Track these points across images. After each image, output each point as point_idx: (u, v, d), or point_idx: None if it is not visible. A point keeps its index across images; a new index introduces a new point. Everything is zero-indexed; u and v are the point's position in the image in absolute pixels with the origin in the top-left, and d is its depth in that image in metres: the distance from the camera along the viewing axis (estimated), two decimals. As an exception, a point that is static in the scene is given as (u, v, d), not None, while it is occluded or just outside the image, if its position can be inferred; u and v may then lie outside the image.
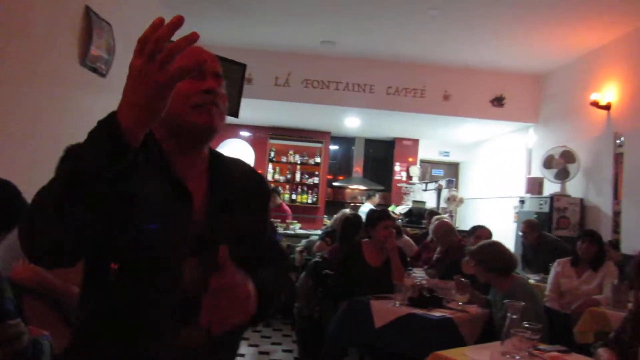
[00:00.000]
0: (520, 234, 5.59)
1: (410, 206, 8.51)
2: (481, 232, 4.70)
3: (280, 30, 6.35)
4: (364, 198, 9.34)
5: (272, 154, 9.68)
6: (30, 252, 0.92)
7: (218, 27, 6.30)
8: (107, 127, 0.86)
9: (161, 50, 0.82)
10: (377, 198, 9.19)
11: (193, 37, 0.84)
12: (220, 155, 1.23)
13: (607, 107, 5.74)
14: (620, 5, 4.93)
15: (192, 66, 0.86)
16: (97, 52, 3.74)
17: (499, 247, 3.19)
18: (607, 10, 5.07)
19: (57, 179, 0.89)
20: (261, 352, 4.66)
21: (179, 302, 1.05)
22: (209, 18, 6.00)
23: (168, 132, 1.09)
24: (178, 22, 0.82)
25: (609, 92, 5.76)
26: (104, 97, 4.06)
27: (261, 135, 9.58)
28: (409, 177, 9.93)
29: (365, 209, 7.87)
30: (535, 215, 6.32)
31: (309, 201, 9.54)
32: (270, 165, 9.64)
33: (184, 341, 1.06)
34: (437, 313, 2.92)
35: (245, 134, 9.57)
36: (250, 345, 4.83)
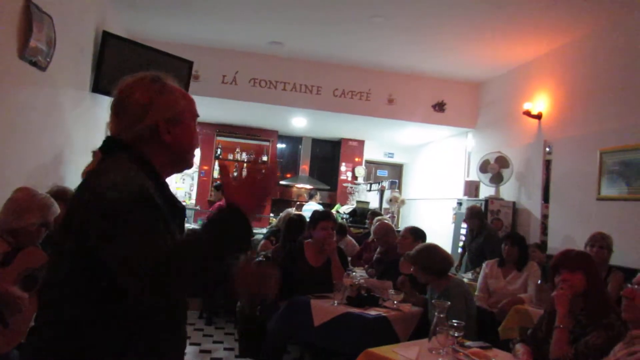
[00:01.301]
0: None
1: (354, 206, 8.69)
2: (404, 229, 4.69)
3: (228, 29, 6.34)
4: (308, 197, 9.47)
5: (219, 151, 9.62)
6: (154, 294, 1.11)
7: (166, 22, 6.21)
8: (244, 219, 1.18)
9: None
10: (318, 196, 9.33)
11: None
12: None
13: (538, 117, 6.11)
14: (551, 22, 5.26)
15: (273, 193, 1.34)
16: (37, 45, 3.63)
17: (435, 250, 3.34)
18: (539, 26, 5.40)
19: (208, 252, 1.13)
20: (202, 351, 4.67)
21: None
22: (157, 13, 5.91)
23: (170, 160, 1.38)
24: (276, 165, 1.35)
25: (540, 103, 6.13)
26: (43, 92, 3.95)
27: (208, 132, 9.50)
28: (355, 177, 10.14)
29: (309, 207, 7.99)
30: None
31: (255, 199, 9.54)
32: (217, 162, 9.58)
33: None
34: (372, 312, 3.06)
35: (191, 130, 9.44)
36: (192, 344, 4.82)
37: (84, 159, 5.00)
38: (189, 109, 1.39)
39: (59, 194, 3.08)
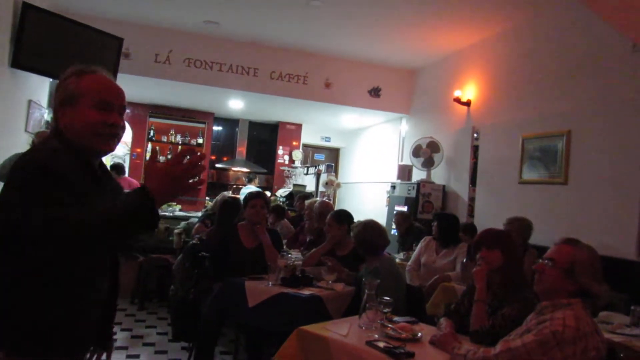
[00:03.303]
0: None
1: (291, 189, 8.73)
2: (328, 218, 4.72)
3: (162, 5, 6.11)
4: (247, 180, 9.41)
5: (152, 132, 9.33)
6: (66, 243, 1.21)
7: (93, -4, 5.92)
8: (149, 201, 1.20)
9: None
10: (257, 180, 9.30)
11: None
12: None
13: (468, 104, 6.37)
14: (481, 13, 5.47)
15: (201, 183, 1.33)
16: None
17: (372, 226, 3.42)
18: (470, 16, 5.60)
19: (106, 223, 1.19)
20: (134, 336, 4.57)
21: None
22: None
23: (75, 146, 1.37)
24: (201, 158, 1.27)
25: (469, 90, 6.39)
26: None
27: (140, 113, 9.17)
28: (292, 161, 10.17)
29: (246, 190, 7.95)
30: (399, 201, 6.86)
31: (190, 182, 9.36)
32: (150, 145, 9.30)
33: None
34: (306, 291, 3.11)
35: (122, 110, 9.08)
36: (124, 330, 4.72)
37: (3, 140, 4.71)
38: (89, 92, 1.37)
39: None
